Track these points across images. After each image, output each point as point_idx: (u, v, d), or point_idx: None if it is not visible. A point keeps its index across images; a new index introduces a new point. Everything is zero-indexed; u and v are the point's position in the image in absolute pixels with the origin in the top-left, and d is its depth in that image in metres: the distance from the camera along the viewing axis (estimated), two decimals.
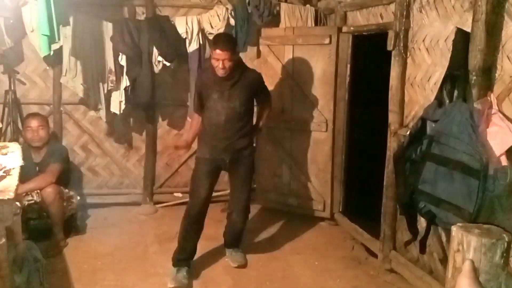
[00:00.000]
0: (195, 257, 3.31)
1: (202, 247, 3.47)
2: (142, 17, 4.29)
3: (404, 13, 3.08)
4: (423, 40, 2.99)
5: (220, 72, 3.00)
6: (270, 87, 4.37)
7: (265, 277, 3.24)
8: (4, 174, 2.10)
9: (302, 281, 3.18)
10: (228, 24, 4.26)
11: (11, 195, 1.85)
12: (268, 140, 4.48)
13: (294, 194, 4.41)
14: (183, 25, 4.16)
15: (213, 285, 3.11)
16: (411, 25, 3.10)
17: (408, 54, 3.13)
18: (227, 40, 3.06)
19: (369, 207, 3.68)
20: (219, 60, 2.96)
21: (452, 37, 2.59)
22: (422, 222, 2.79)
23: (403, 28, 3.09)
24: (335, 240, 3.93)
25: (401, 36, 3.11)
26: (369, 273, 3.31)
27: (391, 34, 3.17)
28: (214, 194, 4.67)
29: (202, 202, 3.19)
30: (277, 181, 4.51)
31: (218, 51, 2.96)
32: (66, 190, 3.79)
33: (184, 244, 3.20)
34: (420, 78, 3.02)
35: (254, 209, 4.60)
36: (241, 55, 4.60)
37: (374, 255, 3.52)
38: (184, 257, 3.18)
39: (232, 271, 3.31)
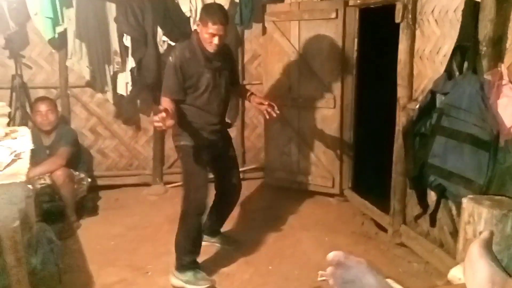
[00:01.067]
0: None
1: None
2: None
3: None
4: (432, 11, 2.92)
5: (213, 48, 2.71)
6: (277, 64, 4.35)
7: (276, 254, 3.27)
8: (15, 157, 2.12)
9: (312, 257, 3.20)
10: (232, 1, 4.19)
11: (22, 178, 1.87)
12: (276, 118, 4.45)
13: (303, 172, 4.41)
14: (187, 3, 4.11)
15: (223, 264, 3.14)
16: None
17: (417, 26, 3.06)
18: (224, 13, 2.76)
19: (378, 183, 3.67)
20: (215, 35, 2.66)
21: (462, 7, 2.53)
22: (432, 196, 2.78)
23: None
24: (345, 216, 3.95)
25: (409, 8, 3.05)
26: (380, 248, 3.33)
27: (399, 6, 3.10)
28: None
29: (207, 194, 2.93)
30: (285, 159, 4.51)
31: (215, 25, 2.64)
32: (77, 173, 3.83)
33: (196, 244, 2.93)
34: (429, 51, 2.96)
35: (263, 187, 4.63)
36: (247, 32, 4.58)
37: (384, 230, 3.53)
38: (196, 256, 2.95)
39: (244, 248, 3.34)
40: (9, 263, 1.99)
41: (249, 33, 4.57)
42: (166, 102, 2.63)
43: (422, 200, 2.83)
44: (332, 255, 0.76)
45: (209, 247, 3.26)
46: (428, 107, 2.64)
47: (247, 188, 4.64)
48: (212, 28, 2.65)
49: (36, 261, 2.43)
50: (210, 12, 2.70)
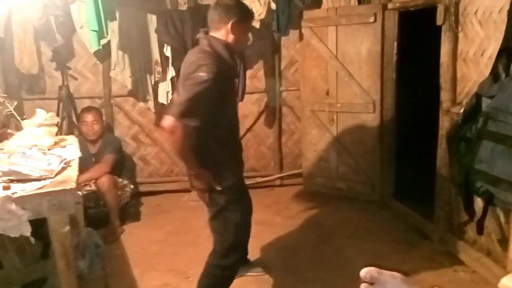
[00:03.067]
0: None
1: (253, 232, 3.48)
2: (184, 7, 4.33)
3: None
4: (475, 13, 2.84)
5: (246, 44, 2.46)
6: (314, 70, 4.34)
7: (317, 260, 3.24)
8: (65, 165, 2.22)
9: (354, 264, 3.15)
10: (269, 9, 4.22)
11: (73, 185, 1.95)
12: (314, 124, 4.45)
13: (342, 178, 4.37)
14: None
15: (264, 269, 3.15)
16: None
17: (459, 28, 2.98)
18: None
19: (421, 189, 3.58)
20: (250, 28, 2.43)
21: (507, 8, 2.45)
22: (478, 203, 2.68)
23: (453, 1, 2.95)
24: (386, 223, 3.87)
25: (452, 10, 2.97)
26: (423, 256, 3.24)
27: (440, 8, 3.03)
28: (261, 180, 4.77)
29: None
30: (324, 165, 4.47)
31: (251, 16, 2.42)
32: (120, 179, 3.95)
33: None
34: (473, 53, 2.87)
35: (301, 194, 4.62)
36: (283, 39, 4.59)
37: (428, 238, 3.43)
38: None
39: (284, 255, 3.33)
40: (59, 267, 2.07)
41: (286, 39, 4.58)
42: (178, 128, 2.09)
43: (469, 207, 2.74)
44: (364, 272, 0.74)
45: None
46: (473, 111, 2.56)
47: (285, 195, 4.65)
48: (251, 22, 2.42)
49: (84, 265, 2.52)
50: (244, 6, 2.41)
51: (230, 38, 2.27)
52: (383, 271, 0.75)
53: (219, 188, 2.28)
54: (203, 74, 2.09)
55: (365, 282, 0.74)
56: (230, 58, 2.27)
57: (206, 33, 2.29)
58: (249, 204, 2.63)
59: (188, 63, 2.19)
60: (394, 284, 0.73)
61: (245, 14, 2.34)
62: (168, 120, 2.12)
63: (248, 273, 2.96)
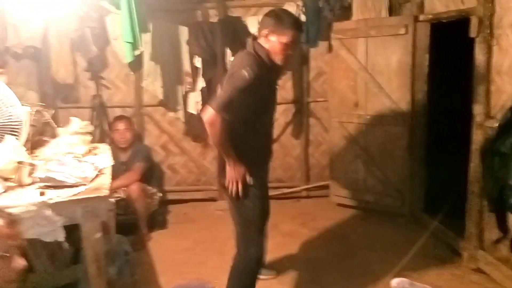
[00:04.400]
0: (273, 253, 3.33)
1: (278, 244, 3.51)
2: (215, 19, 4.41)
3: None
4: (510, 25, 2.78)
5: (285, 60, 2.39)
6: (343, 81, 4.33)
7: (343, 274, 3.20)
8: (98, 173, 2.27)
9: (382, 279, 3.10)
10: None
11: (106, 192, 2.00)
12: (342, 135, 4.42)
13: (370, 190, 4.31)
14: (255, 24, 4.21)
15: (290, 281, 3.13)
16: (496, 9, 2.89)
17: (494, 40, 2.92)
18: (298, 18, 2.55)
19: (452, 204, 3.50)
20: (291, 45, 2.34)
21: None
22: None
23: (488, 13, 2.90)
24: (415, 238, 3.77)
25: (486, 22, 2.92)
26: (454, 273, 3.15)
27: (474, 20, 2.98)
28: (287, 191, 4.76)
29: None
30: (352, 177, 4.43)
31: (295, 32, 2.33)
32: (149, 187, 4.02)
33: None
34: (508, 66, 2.81)
35: (328, 205, 4.58)
36: (312, 50, 4.60)
37: (458, 254, 3.34)
38: None
39: (310, 267, 3.31)
40: (90, 273, 2.12)
41: (315, 50, 4.59)
42: (217, 120, 2.20)
43: (502, 223, 2.66)
44: (396, 282, 0.73)
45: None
46: (508, 125, 2.50)
47: (312, 206, 4.62)
48: (291, 36, 2.31)
49: (113, 271, 2.57)
50: (285, 18, 2.34)
51: (267, 47, 2.33)
52: (416, 283, 0.74)
53: (251, 181, 2.38)
54: (245, 73, 2.20)
55: None
56: (271, 66, 2.35)
57: (255, 38, 2.44)
58: (267, 209, 2.72)
59: (234, 64, 2.34)
60: None
61: (279, 25, 2.30)
62: (208, 112, 2.22)
63: (261, 276, 2.85)
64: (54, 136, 2.96)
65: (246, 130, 2.36)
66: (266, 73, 2.31)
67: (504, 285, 2.84)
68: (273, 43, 2.32)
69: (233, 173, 2.35)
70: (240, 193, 2.38)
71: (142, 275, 3.21)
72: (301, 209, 4.54)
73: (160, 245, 3.76)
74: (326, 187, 4.72)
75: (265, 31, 2.33)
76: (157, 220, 4.17)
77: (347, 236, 3.87)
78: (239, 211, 2.49)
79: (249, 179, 2.38)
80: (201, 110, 2.35)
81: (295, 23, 2.35)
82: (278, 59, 2.35)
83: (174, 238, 3.91)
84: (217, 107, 2.20)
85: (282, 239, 3.59)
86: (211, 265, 3.41)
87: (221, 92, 2.29)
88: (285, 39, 2.30)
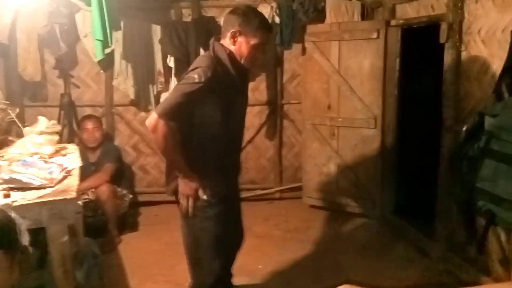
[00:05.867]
0: (246, 255, 3.29)
1: (251, 245, 3.47)
2: (189, 19, 4.36)
3: (458, 4, 2.95)
4: (479, 32, 2.86)
5: (254, 63, 2.22)
6: (316, 83, 4.36)
7: (315, 276, 3.22)
8: (66, 174, 2.20)
9: (353, 280, 3.12)
10: (273, 22, 4.24)
11: (73, 194, 1.94)
12: (314, 137, 4.44)
13: (342, 193, 4.35)
14: None
15: (262, 283, 3.12)
16: (465, 16, 2.97)
17: (463, 46, 3.00)
18: (266, 18, 2.31)
19: (422, 206, 3.57)
20: (262, 47, 2.18)
21: (511, 27, 2.46)
22: (480, 222, 2.67)
23: (457, 19, 2.97)
24: (386, 239, 3.84)
25: (455, 28, 2.99)
26: (423, 274, 3.21)
27: (444, 26, 3.05)
28: (260, 192, 4.76)
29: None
30: (324, 179, 4.46)
31: (265, 33, 2.16)
32: (119, 189, 3.93)
33: None
34: (476, 71, 2.89)
35: (300, 207, 4.59)
36: (286, 53, 4.62)
37: (428, 255, 3.41)
38: None
39: (282, 270, 3.31)
40: (57, 276, 2.05)
41: (289, 53, 4.61)
42: (160, 126, 2.01)
43: (470, 225, 2.71)
44: None
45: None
46: (476, 129, 2.55)
47: (285, 208, 4.63)
48: (261, 37, 2.13)
49: (81, 275, 2.49)
50: (253, 17, 2.14)
51: (232, 48, 2.13)
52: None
53: (205, 197, 2.15)
54: (194, 76, 2.01)
55: None
56: (233, 69, 2.12)
57: (218, 40, 2.18)
58: (231, 236, 2.39)
59: (190, 67, 2.11)
60: None
61: (248, 26, 2.11)
62: (151, 117, 2.06)
63: None
64: (20, 135, 2.85)
65: (202, 138, 2.14)
66: (225, 76, 2.09)
67: (471, 286, 2.90)
68: (239, 44, 2.12)
69: (183, 187, 2.14)
70: (190, 211, 2.16)
71: (112, 278, 3.14)
72: (274, 211, 4.54)
73: (131, 247, 3.69)
74: (299, 188, 4.74)
75: (230, 32, 2.11)
76: (127, 222, 4.09)
77: (320, 237, 3.89)
78: (189, 231, 2.29)
79: (201, 193, 2.14)
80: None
81: (264, 22, 2.17)
82: (245, 61, 2.16)
83: (145, 240, 3.84)
84: (161, 112, 2.01)
85: (254, 240, 3.57)
86: (182, 267, 3.32)
87: (168, 96, 2.11)
88: (254, 40, 2.11)
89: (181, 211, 2.22)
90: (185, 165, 2.11)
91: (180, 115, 2.04)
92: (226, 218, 2.26)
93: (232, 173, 2.37)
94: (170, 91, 4.24)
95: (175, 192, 2.23)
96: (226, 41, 2.14)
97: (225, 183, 2.25)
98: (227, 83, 2.12)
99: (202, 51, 4.18)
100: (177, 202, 2.26)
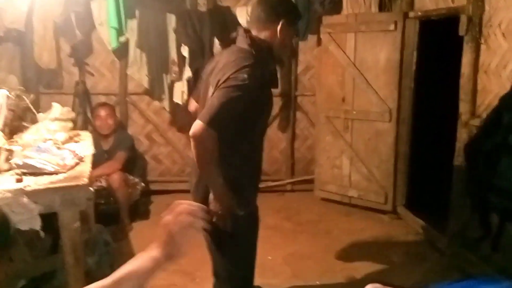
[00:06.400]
0: None
1: (262, 237, 3.44)
2: (204, 9, 4.33)
3: None
4: (499, 24, 2.79)
5: (286, 50, 2.28)
6: (331, 76, 4.31)
7: (325, 269, 3.20)
8: (78, 160, 2.21)
9: (363, 274, 3.10)
10: None
11: (85, 180, 1.95)
12: (328, 130, 4.40)
13: (354, 186, 4.31)
14: (244, 15, 4.16)
15: (271, 275, 3.11)
16: (486, 8, 2.89)
17: (482, 39, 2.93)
18: None
19: (436, 201, 3.52)
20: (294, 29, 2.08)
21: None
22: (495, 219, 2.62)
23: (477, 11, 2.90)
24: (398, 234, 3.80)
25: (475, 20, 2.92)
26: (435, 271, 3.17)
27: (463, 19, 2.98)
28: (272, 184, 4.74)
29: None
30: (336, 173, 4.43)
31: (297, 15, 2.07)
32: (131, 177, 3.95)
33: None
34: (495, 65, 2.82)
35: (312, 200, 4.57)
36: (301, 44, 4.57)
37: (440, 251, 3.36)
38: None
39: (292, 262, 3.30)
40: (68, 262, 2.07)
41: (304, 44, 4.56)
42: (208, 136, 1.77)
43: (485, 222, 2.68)
44: None
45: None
46: (493, 124, 2.50)
47: (296, 200, 4.61)
48: (295, 20, 2.04)
49: (92, 261, 2.52)
50: (294, 4, 2.09)
51: (277, 40, 1.96)
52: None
53: (241, 212, 1.96)
54: (245, 76, 1.79)
55: None
56: (273, 64, 2.01)
57: (247, 32, 1.97)
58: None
59: (224, 63, 1.88)
60: None
61: (297, 14, 2.06)
62: (197, 127, 1.77)
63: None
64: (34, 121, 2.87)
65: (239, 145, 1.94)
66: (267, 73, 1.93)
67: None
68: (286, 35, 1.97)
69: (220, 206, 1.92)
70: (228, 228, 1.98)
71: (122, 266, 3.15)
72: (286, 203, 4.53)
73: (142, 236, 3.71)
74: (311, 181, 4.71)
75: (278, 22, 1.93)
76: (139, 211, 4.11)
77: (330, 231, 3.87)
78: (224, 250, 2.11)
79: (238, 211, 1.95)
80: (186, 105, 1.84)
81: (293, 3, 2.06)
82: (279, 50, 2.01)
83: (156, 229, 3.80)
84: (209, 119, 1.74)
85: (265, 232, 3.53)
86: (192, 257, 3.28)
87: (214, 100, 1.80)
88: (291, 29, 2.00)
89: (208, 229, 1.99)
90: (222, 181, 1.89)
91: (228, 121, 1.81)
92: (257, 227, 2.21)
93: (260, 176, 2.21)
94: (183, 80, 4.24)
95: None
96: (267, 33, 1.96)
97: (257, 189, 2.14)
98: (268, 80, 1.96)
99: (217, 42, 4.16)
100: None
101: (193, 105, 2.30)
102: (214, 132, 1.76)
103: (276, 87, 2.08)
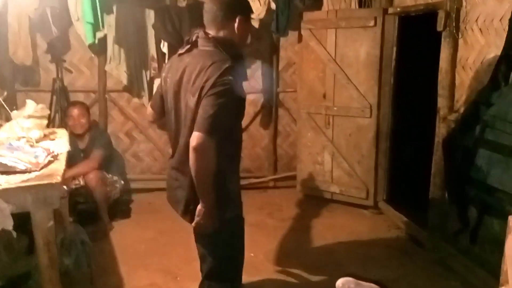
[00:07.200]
0: None
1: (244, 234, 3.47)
2: (183, 4, 4.28)
3: None
4: (476, 20, 2.82)
5: (246, 41, 2.13)
6: (312, 72, 4.31)
7: (308, 265, 3.19)
8: (52, 159, 2.16)
9: (346, 269, 3.10)
10: (269, 8, 4.18)
11: (58, 179, 1.90)
12: (309, 126, 4.40)
13: (336, 182, 4.32)
14: None
15: (254, 272, 3.09)
16: (463, 4, 2.92)
17: (460, 34, 2.95)
18: None
19: (416, 196, 3.55)
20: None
21: (509, 16, 2.43)
22: (473, 212, 2.65)
23: (454, 7, 2.92)
24: (379, 229, 3.83)
25: (452, 16, 2.94)
26: (416, 263, 3.20)
27: (441, 14, 3.00)
28: (254, 181, 4.73)
29: None
30: (318, 169, 4.43)
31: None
32: (110, 175, 3.89)
33: None
34: (472, 60, 2.85)
35: (294, 196, 4.57)
36: (282, 40, 4.55)
37: (421, 245, 3.40)
38: None
39: (274, 258, 3.29)
40: (42, 263, 2.02)
41: (285, 40, 4.55)
42: (210, 147, 1.77)
43: (463, 215, 2.71)
44: (341, 283, 0.69)
45: None
46: (471, 119, 2.53)
47: (278, 197, 4.61)
48: (250, 10, 2.09)
49: (69, 261, 2.47)
50: (244, 0, 2.07)
51: (236, 37, 1.97)
52: (361, 282, 0.70)
53: (230, 215, 2.03)
54: (230, 78, 1.79)
55: None
56: (240, 59, 1.99)
57: (207, 33, 1.95)
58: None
59: (200, 69, 1.83)
60: None
61: (249, 9, 2.08)
62: (197, 138, 1.76)
63: None
64: (8, 119, 2.80)
65: (225, 148, 1.89)
66: (240, 71, 1.94)
67: (464, 275, 2.90)
68: (243, 31, 1.98)
69: (207, 219, 1.93)
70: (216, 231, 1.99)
71: (102, 265, 3.11)
72: (268, 200, 4.52)
73: (123, 235, 3.66)
74: (293, 177, 4.71)
75: (234, 20, 1.94)
76: (120, 209, 4.06)
77: (313, 226, 3.87)
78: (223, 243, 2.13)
79: (217, 222, 1.96)
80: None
81: (248, 2, 2.09)
82: (243, 46, 2.06)
83: (138, 228, 3.81)
84: (208, 128, 1.74)
85: (248, 229, 3.48)
86: (174, 256, 3.34)
87: (206, 109, 1.77)
88: (249, 21, 2.03)
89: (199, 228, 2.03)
90: (214, 193, 1.89)
91: (224, 127, 1.80)
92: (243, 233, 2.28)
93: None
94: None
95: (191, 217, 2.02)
96: (226, 31, 1.95)
97: (238, 196, 2.14)
98: (242, 79, 1.95)
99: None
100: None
101: (151, 115, 2.26)
102: (214, 140, 1.76)
103: (246, 79, 2.07)
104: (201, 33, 1.96)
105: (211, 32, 1.95)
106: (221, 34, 1.94)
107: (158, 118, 2.22)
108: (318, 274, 3.07)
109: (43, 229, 1.91)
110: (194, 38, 1.96)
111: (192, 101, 1.83)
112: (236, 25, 1.94)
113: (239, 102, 1.92)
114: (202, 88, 1.79)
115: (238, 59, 1.94)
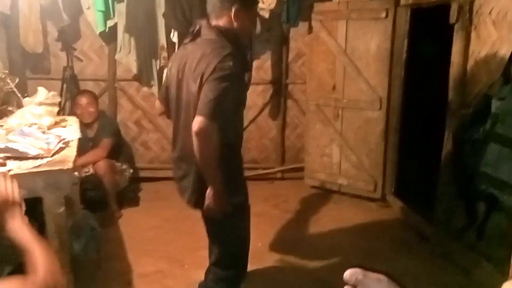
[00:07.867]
0: None
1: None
2: None
3: None
4: (490, 13, 2.77)
5: (250, 28, 2.19)
6: (321, 63, 4.29)
7: (313, 256, 3.21)
8: (64, 145, 2.18)
9: (350, 262, 3.12)
10: None
11: (70, 165, 1.92)
12: (318, 118, 4.40)
13: (343, 174, 4.32)
14: None
15: (259, 262, 3.11)
16: None
17: (473, 28, 2.92)
18: None
19: (423, 190, 3.54)
20: (254, 20, 2.26)
21: None
22: (481, 206, 2.64)
23: (468, 0, 2.88)
24: (385, 222, 3.83)
25: (465, 9, 2.91)
26: (422, 258, 3.20)
27: (454, 6, 2.96)
28: (262, 172, 4.74)
29: None
30: (326, 161, 4.43)
31: (256, 8, 2.24)
32: (119, 164, 3.92)
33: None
34: (484, 54, 2.81)
35: (301, 188, 4.58)
36: (292, 30, 4.53)
37: (427, 239, 3.39)
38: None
39: (279, 249, 3.31)
40: (53, 247, 2.04)
41: (295, 31, 4.52)
42: (212, 131, 1.82)
43: (470, 210, 2.70)
44: (348, 274, 0.69)
45: None
46: (482, 113, 2.51)
47: (286, 188, 4.62)
48: (255, 8, 2.18)
49: (78, 246, 2.50)
50: None
51: (235, 26, 2.01)
52: (369, 273, 0.70)
53: (236, 200, 2.07)
54: (230, 64, 1.84)
55: (348, 284, 0.69)
56: (244, 48, 2.06)
57: (208, 23, 2.02)
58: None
59: (201, 56, 1.89)
60: (380, 287, 0.68)
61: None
62: (199, 123, 1.80)
63: None
64: (19, 106, 2.82)
65: (227, 134, 1.94)
66: (243, 58, 2.03)
67: (470, 271, 2.89)
68: (242, 20, 2.00)
69: (217, 201, 1.97)
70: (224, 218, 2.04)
71: (110, 252, 3.16)
72: (275, 191, 4.53)
73: (130, 222, 3.70)
74: (300, 169, 4.72)
75: (230, 10, 1.96)
76: (128, 197, 4.10)
77: (319, 218, 3.88)
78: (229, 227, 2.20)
79: (229, 206, 2.01)
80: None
81: None
82: (246, 35, 2.14)
83: (145, 216, 3.85)
84: (209, 112, 1.78)
85: (254, 219, 3.50)
86: (180, 243, 3.37)
87: (207, 93, 1.82)
88: (253, 11, 2.10)
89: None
90: (222, 176, 1.93)
91: (224, 112, 1.83)
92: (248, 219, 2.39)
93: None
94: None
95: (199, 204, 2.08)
96: (224, 20, 1.99)
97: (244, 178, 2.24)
98: (241, 65, 1.99)
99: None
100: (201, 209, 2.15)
101: (159, 109, 2.35)
102: (216, 124, 1.80)
103: (249, 70, 2.12)
104: (204, 23, 2.02)
105: (212, 22, 2.01)
106: (220, 23, 2.00)
107: (166, 110, 2.27)
108: (323, 265, 3.09)
109: (54, 215, 1.93)
110: (197, 28, 2.03)
111: (193, 87, 1.89)
112: (232, 14, 1.97)
113: (240, 89, 1.97)
114: (203, 74, 1.85)
115: (239, 47, 1.99)
